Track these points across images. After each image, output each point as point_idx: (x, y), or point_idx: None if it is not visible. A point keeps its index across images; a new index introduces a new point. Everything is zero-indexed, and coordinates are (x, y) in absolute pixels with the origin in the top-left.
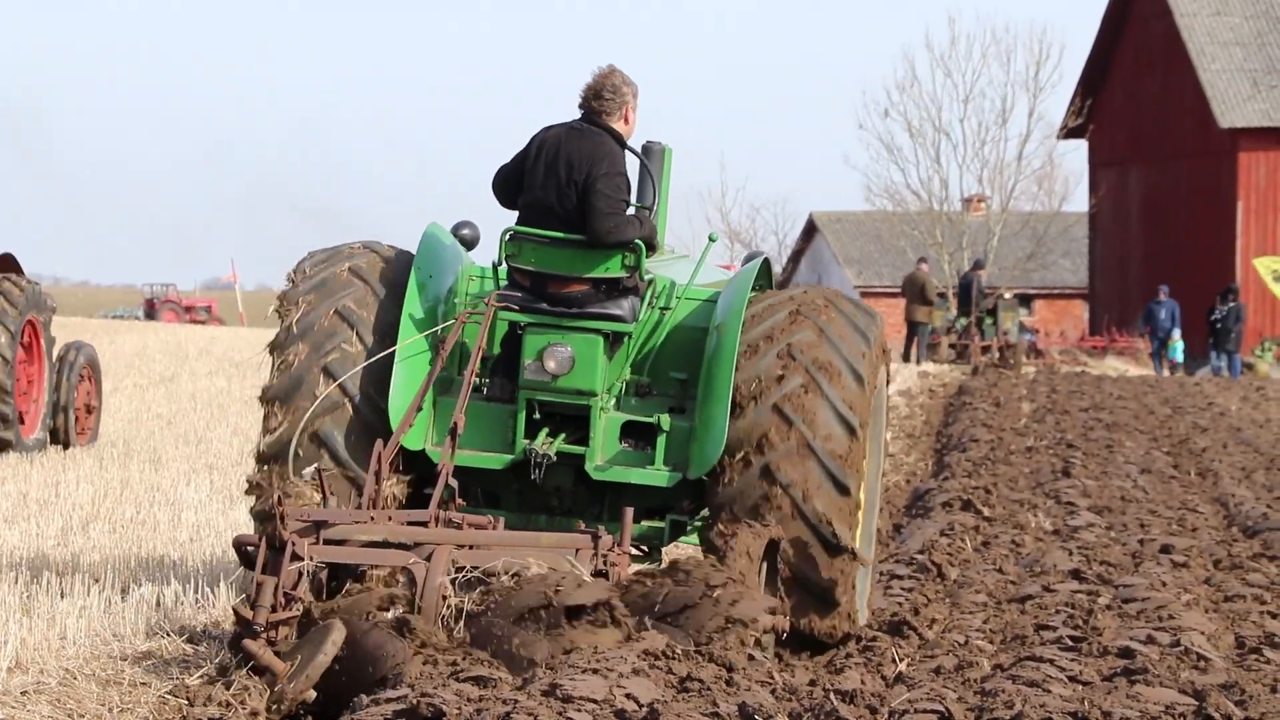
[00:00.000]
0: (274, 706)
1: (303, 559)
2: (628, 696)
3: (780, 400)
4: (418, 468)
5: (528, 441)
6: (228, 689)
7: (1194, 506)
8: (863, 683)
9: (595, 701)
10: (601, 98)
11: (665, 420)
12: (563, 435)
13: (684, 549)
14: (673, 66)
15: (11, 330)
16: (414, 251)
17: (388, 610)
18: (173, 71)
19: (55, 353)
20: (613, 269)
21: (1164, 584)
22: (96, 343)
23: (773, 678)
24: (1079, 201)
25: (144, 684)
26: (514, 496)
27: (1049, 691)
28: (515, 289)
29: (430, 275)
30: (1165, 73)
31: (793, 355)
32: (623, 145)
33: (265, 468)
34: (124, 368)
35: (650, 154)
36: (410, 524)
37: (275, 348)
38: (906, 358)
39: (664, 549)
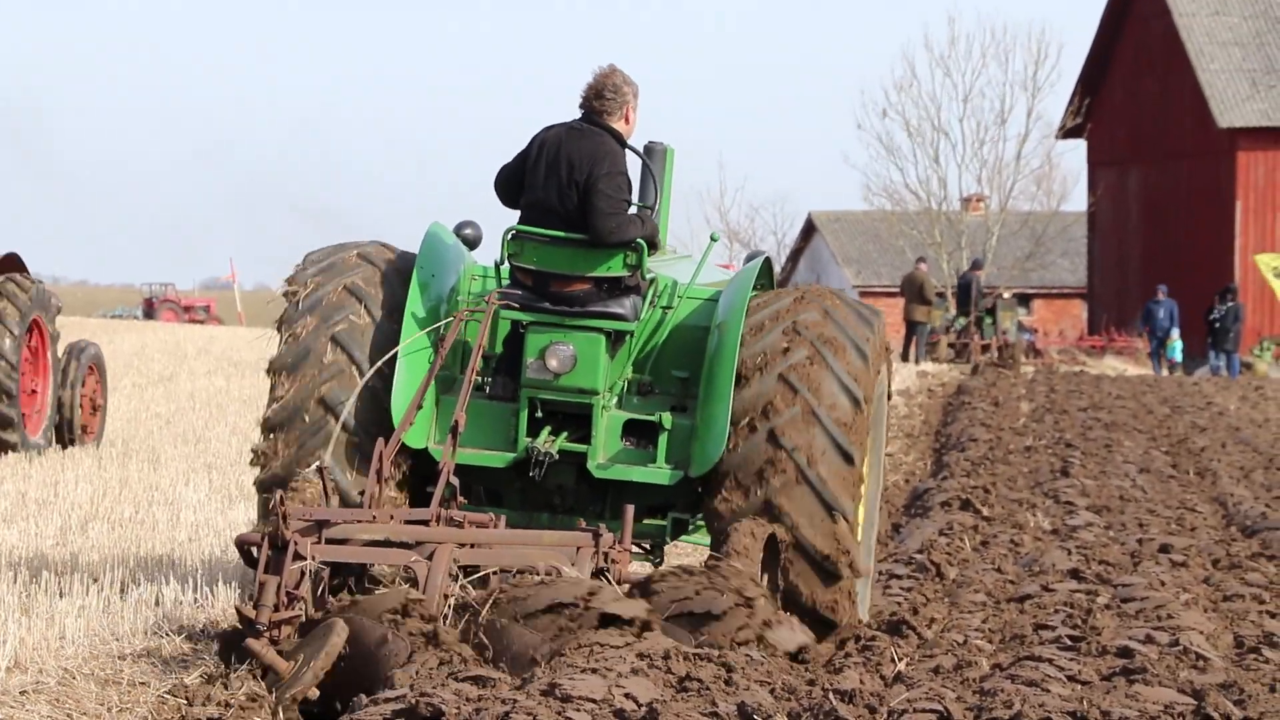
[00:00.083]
0: (276, 705)
1: (305, 558)
2: (627, 696)
3: (786, 370)
4: (420, 466)
5: (530, 440)
6: (227, 689)
7: (1193, 506)
8: (861, 682)
9: (594, 701)
10: (602, 97)
11: (667, 419)
12: (564, 434)
13: (684, 548)
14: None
15: (15, 333)
16: (416, 251)
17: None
18: (172, 71)
19: (60, 352)
20: (614, 268)
21: (1163, 583)
22: (95, 342)
23: (771, 677)
24: (1078, 201)
25: (143, 683)
26: (516, 495)
27: (1048, 691)
28: (517, 288)
29: (433, 274)
30: (1164, 72)
31: (798, 331)
32: (623, 145)
33: (271, 435)
34: (123, 367)
35: (652, 154)
36: (412, 523)
37: (283, 322)
38: (905, 357)
39: (665, 547)
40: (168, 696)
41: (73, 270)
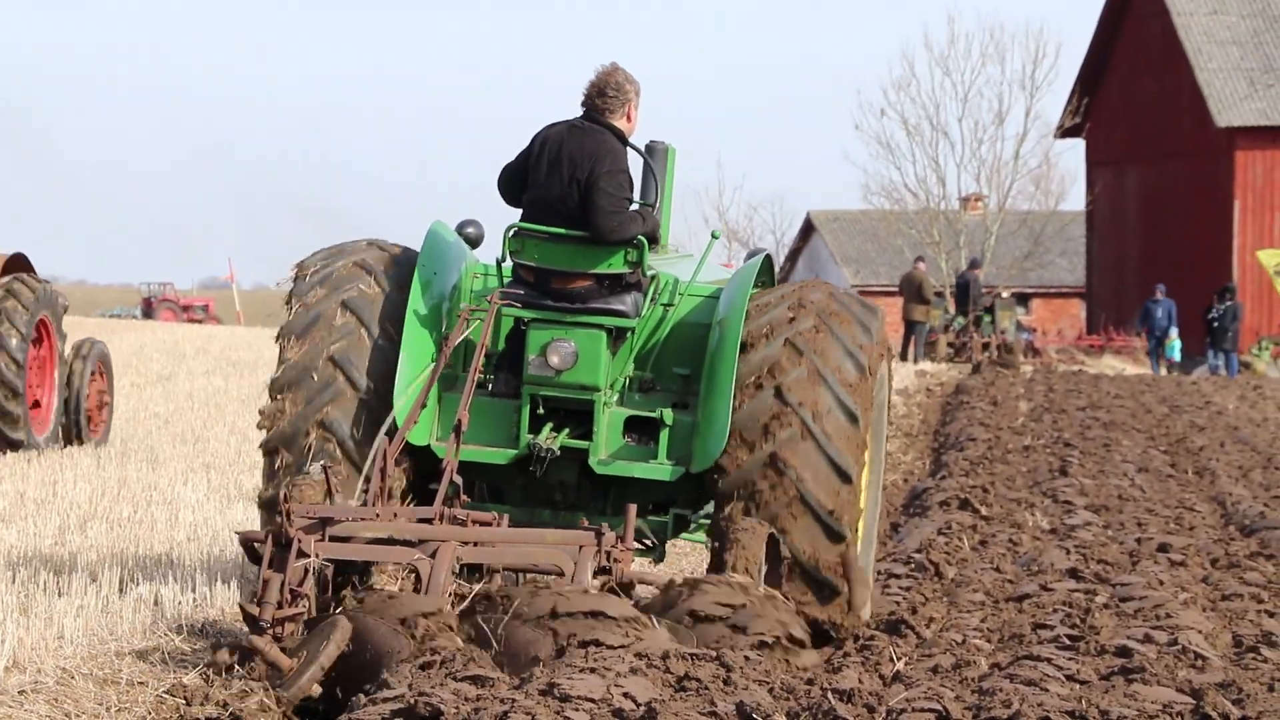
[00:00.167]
0: (279, 704)
1: (309, 556)
2: (625, 695)
3: (793, 336)
4: (422, 463)
5: (532, 436)
6: (226, 688)
7: (1191, 505)
8: (860, 682)
9: (593, 701)
10: (604, 95)
11: (668, 415)
12: (566, 430)
13: (684, 546)
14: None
15: (23, 331)
16: (418, 249)
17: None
18: (171, 71)
19: (67, 350)
20: (616, 265)
21: (1161, 583)
22: (102, 340)
23: (770, 677)
24: (1076, 200)
25: (141, 683)
26: (518, 491)
27: (1046, 690)
28: (519, 285)
29: (435, 272)
30: (1162, 72)
31: (803, 305)
32: (625, 143)
33: (279, 396)
34: (121, 367)
35: (654, 153)
36: (415, 520)
37: (293, 295)
38: (904, 357)
39: (667, 544)
40: (166, 696)
41: (71, 270)
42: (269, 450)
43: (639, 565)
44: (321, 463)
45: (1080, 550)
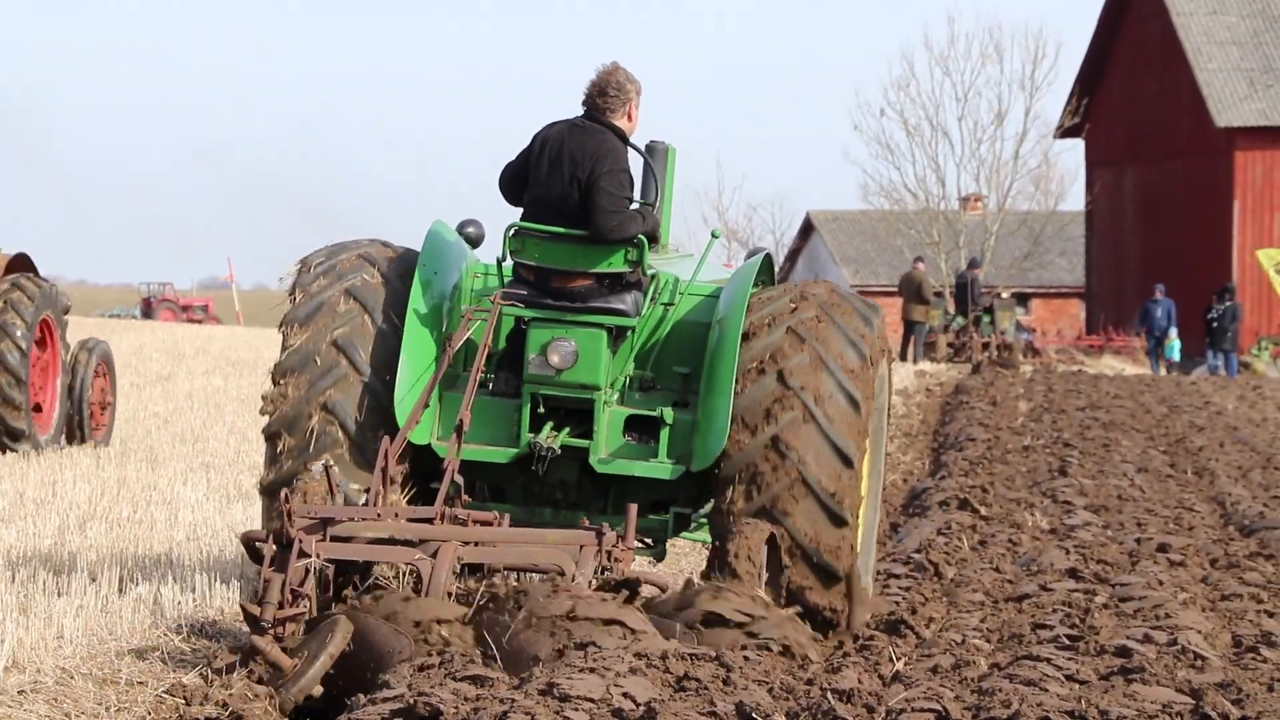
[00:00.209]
0: (281, 703)
1: (310, 556)
2: (625, 695)
3: (795, 324)
4: (424, 463)
5: (532, 436)
6: (225, 688)
7: (1191, 505)
8: (860, 682)
9: (592, 700)
10: (605, 95)
11: (668, 414)
12: (567, 429)
13: (684, 545)
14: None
15: (28, 321)
16: (418, 249)
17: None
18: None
19: (70, 350)
20: (616, 264)
21: (1161, 583)
22: (105, 340)
23: (769, 676)
24: (1075, 200)
25: (141, 683)
26: (519, 490)
27: (1046, 690)
28: (519, 284)
29: (435, 272)
30: (1162, 72)
31: (805, 297)
32: (625, 142)
33: (282, 380)
34: (121, 367)
35: (654, 153)
36: (416, 520)
37: (296, 286)
38: (903, 357)
39: (667, 542)
40: (166, 696)
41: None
42: (271, 434)
43: (639, 564)
44: (323, 463)
45: (1080, 550)
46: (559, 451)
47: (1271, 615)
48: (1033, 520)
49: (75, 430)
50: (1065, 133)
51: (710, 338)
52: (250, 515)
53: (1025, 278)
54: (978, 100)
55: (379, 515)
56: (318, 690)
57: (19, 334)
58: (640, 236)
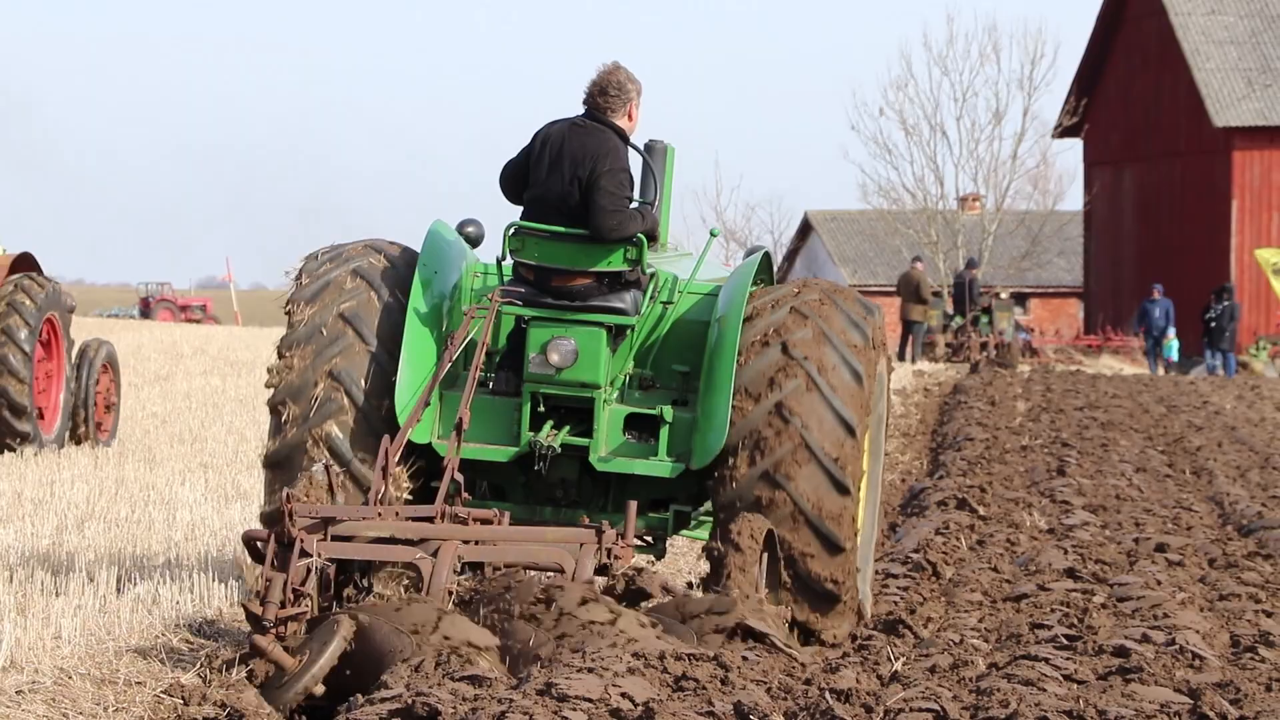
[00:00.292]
0: (282, 702)
1: (311, 555)
2: (623, 695)
3: (798, 304)
4: (424, 461)
5: (532, 434)
6: (224, 687)
7: (1189, 505)
8: (858, 681)
9: (591, 700)
10: (606, 94)
11: (668, 412)
12: (567, 428)
13: (684, 544)
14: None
15: (31, 324)
16: (418, 249)
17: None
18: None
19: (75, 350)
20: (615, 263)
21: (1159, 583)
22: (109, 340)
23: (768, 676)
24: (1074, 200)
25: (139, 682)
26: (519, 489)
27: (1044, 690)
28: (519, 283)
29: (435, 272)
30: (1160, 72)
31: (807, 285)
32: (625, 142)
33: (288, 353)
34: (119, 367)
35: (653, 152)
36: (416, 519)
37: (303, 272)
38: (902, 356)
39: (667, 540)
40: (164, 696)
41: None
42: (276, 405)
43: (639, 563)
44: (324, 462)
45: (1078, 550)
46: (559, 450)
47: (1269, 615)
48: (1031, 520)
49: (80, 430)
50: (1063, 132)
51: (709, 336)
52: (249, 516)
53: (1023, 277)
54: (976, 100)
55: (380, 514)
56: (319, 690)
57: (22, 336)
58: (640, 235)
